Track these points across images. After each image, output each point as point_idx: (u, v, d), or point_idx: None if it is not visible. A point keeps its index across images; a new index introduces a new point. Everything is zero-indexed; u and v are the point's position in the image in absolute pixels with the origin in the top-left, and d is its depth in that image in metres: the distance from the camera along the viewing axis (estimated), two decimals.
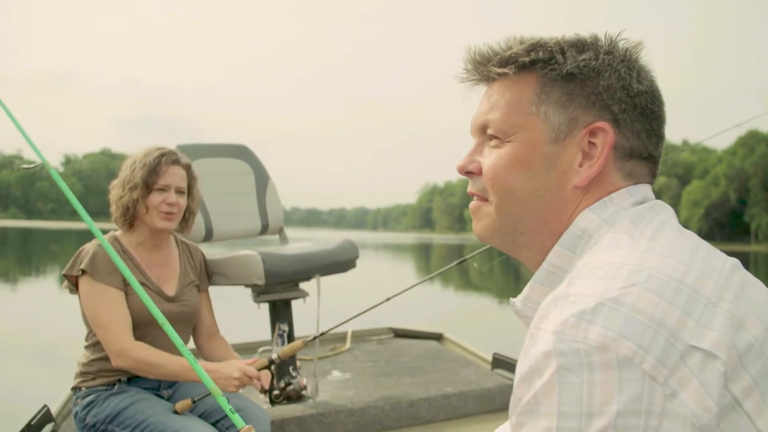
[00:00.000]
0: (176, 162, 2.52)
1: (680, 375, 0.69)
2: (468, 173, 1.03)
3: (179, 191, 2.52)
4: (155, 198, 2.46)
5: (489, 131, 0.99)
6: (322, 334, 2.68)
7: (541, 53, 0.95)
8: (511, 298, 1.01)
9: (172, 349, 2.47)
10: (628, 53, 0.96)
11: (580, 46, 0.96)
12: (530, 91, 0.96)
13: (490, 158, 0.99)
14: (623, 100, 0.93)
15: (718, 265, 0.83)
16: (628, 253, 0.81)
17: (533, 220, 0.96)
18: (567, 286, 0.80)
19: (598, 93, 0.93)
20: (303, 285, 3.40)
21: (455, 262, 2.89)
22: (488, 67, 0.99)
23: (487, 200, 1.00)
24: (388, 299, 2.68)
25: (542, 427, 0.71)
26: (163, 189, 2.47)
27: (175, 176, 2.50)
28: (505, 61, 0.97)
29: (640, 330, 0.70)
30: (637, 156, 0.95)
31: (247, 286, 3.25)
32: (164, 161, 2.48)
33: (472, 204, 1.04)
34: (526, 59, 0.96)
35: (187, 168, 2.57)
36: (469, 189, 1.04)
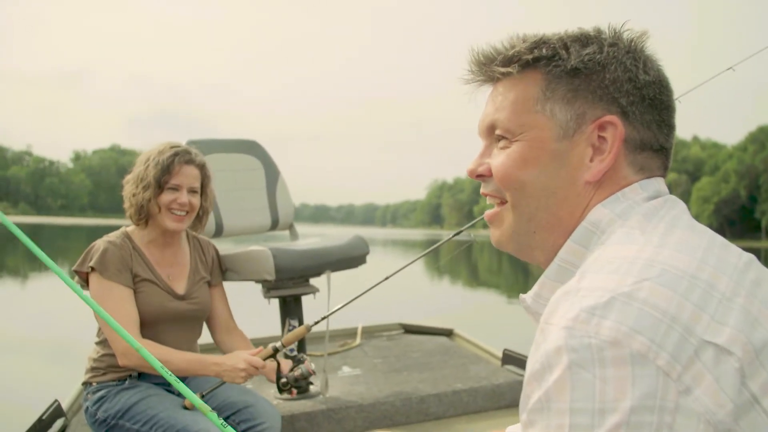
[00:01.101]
0: (190, 162, 2.50)
1: (694, 371, 0.68)
2: (479, 176, 1.02)
3: (192, 191, 2.51)
4: (166, 197, 2.45)
5: (497, 132, 0.99)
6: (325, 317, 2.67)
7: (544, 50, 0.94)
8: (521, 295, 1.00)
9: (180, 345, 2.48)
10: (633, 44, 0.95)
11: (583, 40, 0.94)
12: (535, 89, 0.95)
13: (498, 158, 0.98)
14: (631, 92, 0.92)
15: (732, 260, 0.82)
16: (641, 248, 0.80)
17: (545, 218, 0.95)
18: (578, 280, 0.79)
19: (604, 86, 0.92)
20: (313, 281, 3.40)
21: (452, 235, 2.89)
22: (492, 67, 0.98)
23: (503, 202, 0.99)
24: (386, 278, 2.67)
25: (554, 425, 0.70)
26: (175, 188, 2.46)
27: (188, 176, 2.49)
28: (509, 60, 0.96)
29: (653, 325, 0.69)
30: (649, 148, 0.94)
31: (257, 281, 3.25)
32: (177, 161, 2.46)
33: (489, 212, 1.03)
34: (529, 57, 0.95)
35: (201, 167, 2.56)
36: (482, 191, 1.03)
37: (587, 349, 0.69)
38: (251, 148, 3.77)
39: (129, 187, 2.49)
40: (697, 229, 0.87)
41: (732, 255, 0.84)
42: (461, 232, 2.86)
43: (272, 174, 3.76)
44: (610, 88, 0.92)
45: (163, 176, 2.44)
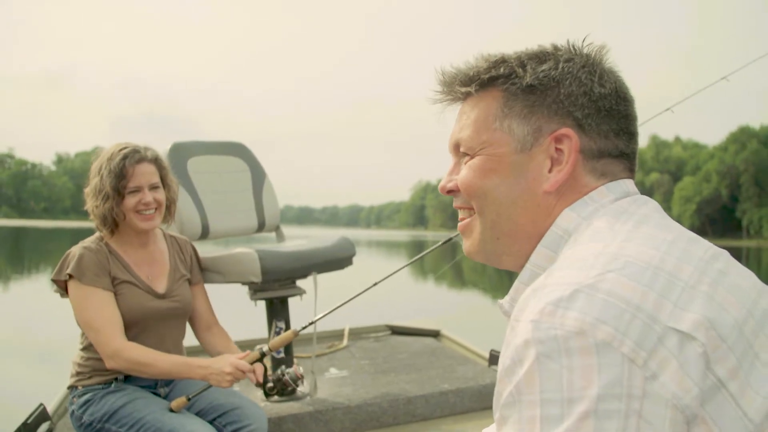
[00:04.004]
0: (142, 160, 2.43)
1: (659, 357, 0.70)
2: (449, 192, 1.07)
3: (153, 187, 2.46)
4: (130, 201, 2.40)
5: (461, 149, 1.03)
6: (312, 323, 2.67)
7: (501, 69, 0.98)
8: (498, 300, 1.03)
9: (165, 345, 2.47)
10: (590, 59, 0.98)
11: (541, 57, 0.98)
12: (495, 107, 0.99)
13: (462, 172, 1.02)
14: (586, 105, 0.95)
15: (698, 252, 0.84)
16: (607, 244, 0.82)
17: (507, 225, 0.99)
18: (546, 277, 0.81)
19: (559, 101, 0.95)
20: (300, 282, 3.39)
21: (441, 242, 2.90)
22: (454, 87, 1.03)
23: (473, 211, 1.03)
24: (375, 284, 2.68)
25: (526, 417, 0.72)
26: (136, 190, 2.41)
27: (144, 174, 2.43)
28: (469, 80, 1.01)
29: (617, 314, 0.71)
30: (608, 155, 0.97)
31: (243, 283, 3.24)
32: (129, 163, 2.40)
33: (461, 224, 1.07)
34: (486, 76, 0.99)
35: (155, 161, 2.50)
36: (455, 204, 1.08)
37: (553, 340, 0.71)
38: (237, 150, 3.76)
39: (90, 201, 2.44)
40: (666, 226, 0.89)
41: (699, 248, 0.86)
42: (451, 239, 2.87)
43: (258, 176, 3.75)
44: (565, 102, 0.95)
45: (120, 182, 2.38)
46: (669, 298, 0.74)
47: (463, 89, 1.01)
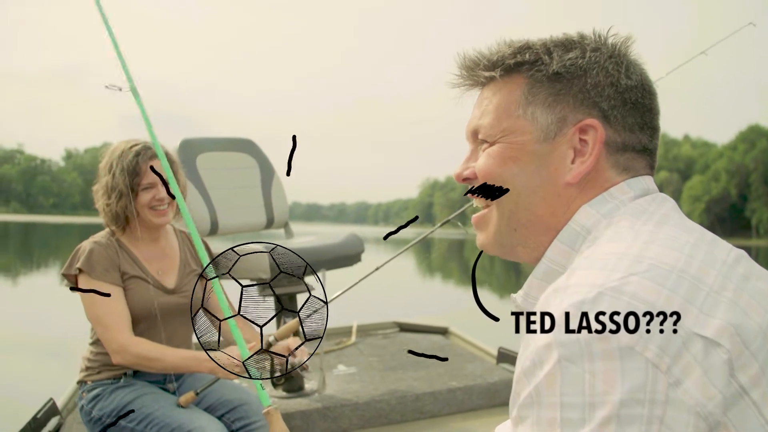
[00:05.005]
0: (154, 156, 2.42)
1: (683, 363, 0.69)
2: (465, 179, 1.04)
3: (165, 182, 2.45)
4: (144, 198, 2.40)
5: (480, 136, 1.01)
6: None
7: (527, 55, 0.96)
8: (512, 294, 1.02)
9: (175, 340, 2.47)
10: (616, 49, 0.96)
11: (567, 45, 0.96)
12: (518, 94, 0.97)
13: (481, 159, 1.00)
14: (612, 97, 0.93)
15: (721, 256, 0.83)
16: (629, 245, 0.80)
17: (525, 216, 0.97)
18: (567, 277, 0.79)
19: (586, 91, 0.94)
20: (308, 279, 3.40)
21: (440, 224, 2.90)
22: (477, 71, 1.01)
23: (488, 200, 1.01)
24: (377, 268, 2.68)
25: (546, 419, 0.71)
26: (149, 187, 2.41)
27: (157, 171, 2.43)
28: (493, 65, 0.99)
29: None
30: (631, 149, 0.95)
31: (252, 280, 3.25)
32: (142, 160, 2.39)
33: (476, 216, 1.05)
34: (512, 61, 0.97)
35: (166, 156, 2.45)
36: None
37: (576, 343, 0.70)
38: (246, 146, 3.76)
39: (101, 199, 2.43)
40: (686, 226, 0.88)
41: (721, 250, 0.84)
42: (449, 220, 2.87)
43: (267, 172, 3.76)
44: (591, 92, 0.93)
45: (134, 180, 2.38)
46: (694, 303, 0.73)
47: (487, 74, 0.99)
